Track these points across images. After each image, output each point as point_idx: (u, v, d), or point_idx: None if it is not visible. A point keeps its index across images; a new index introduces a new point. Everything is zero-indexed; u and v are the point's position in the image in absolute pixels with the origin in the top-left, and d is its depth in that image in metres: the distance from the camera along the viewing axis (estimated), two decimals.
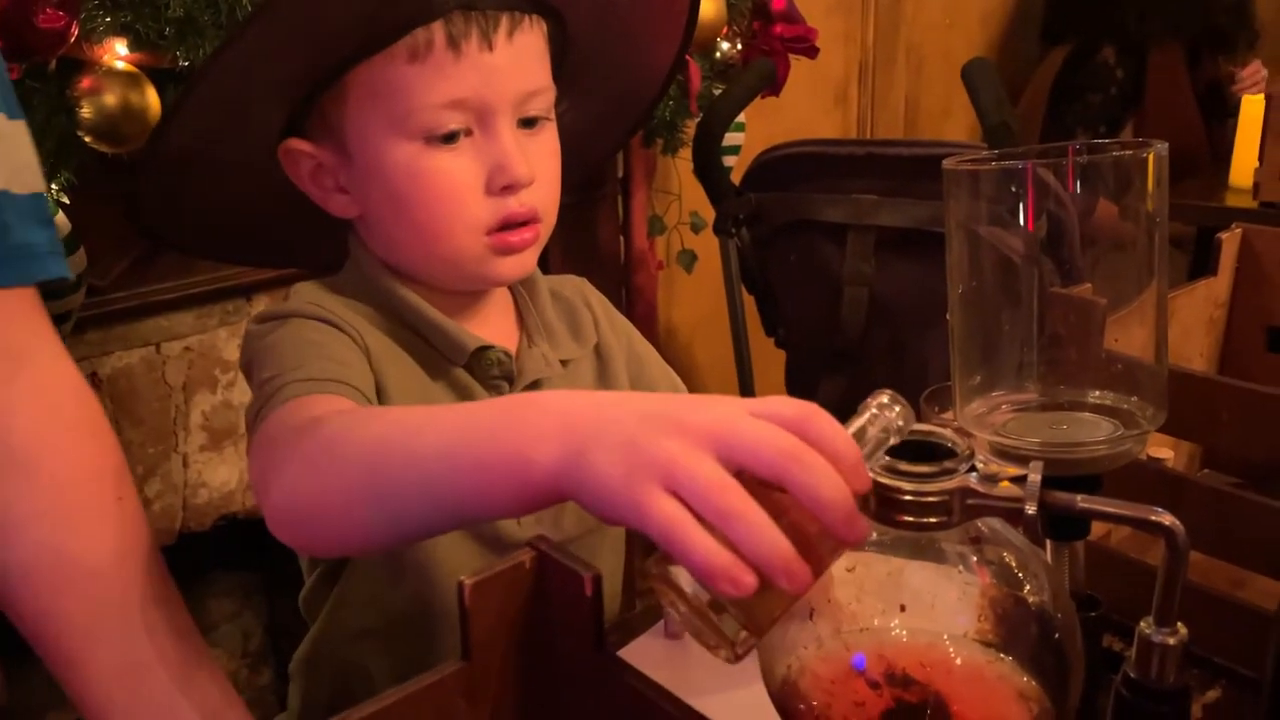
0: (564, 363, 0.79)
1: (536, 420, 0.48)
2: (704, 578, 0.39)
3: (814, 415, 0.43)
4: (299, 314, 0.70)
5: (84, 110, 0.96)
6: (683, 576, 0.40)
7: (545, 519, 0.77)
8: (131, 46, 0.98)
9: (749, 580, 0.39)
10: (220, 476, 1.29)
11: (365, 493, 0.54)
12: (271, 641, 1.55)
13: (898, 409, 0.46)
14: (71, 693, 0.64)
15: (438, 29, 0.66)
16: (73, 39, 0.94)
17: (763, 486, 0.41)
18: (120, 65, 0.98)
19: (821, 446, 0.42)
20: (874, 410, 0.46)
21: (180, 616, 0.67)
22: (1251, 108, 2.01)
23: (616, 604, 0.88)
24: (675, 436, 0.42)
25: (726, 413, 0.43)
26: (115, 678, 0.64)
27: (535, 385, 0.76)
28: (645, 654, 0.74)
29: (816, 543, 0.41)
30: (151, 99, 0.98)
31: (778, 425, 0.42)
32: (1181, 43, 2.48)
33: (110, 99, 0.96)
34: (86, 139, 0.97)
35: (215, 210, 0.77)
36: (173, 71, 1.00)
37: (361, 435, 0.57)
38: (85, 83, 0.96)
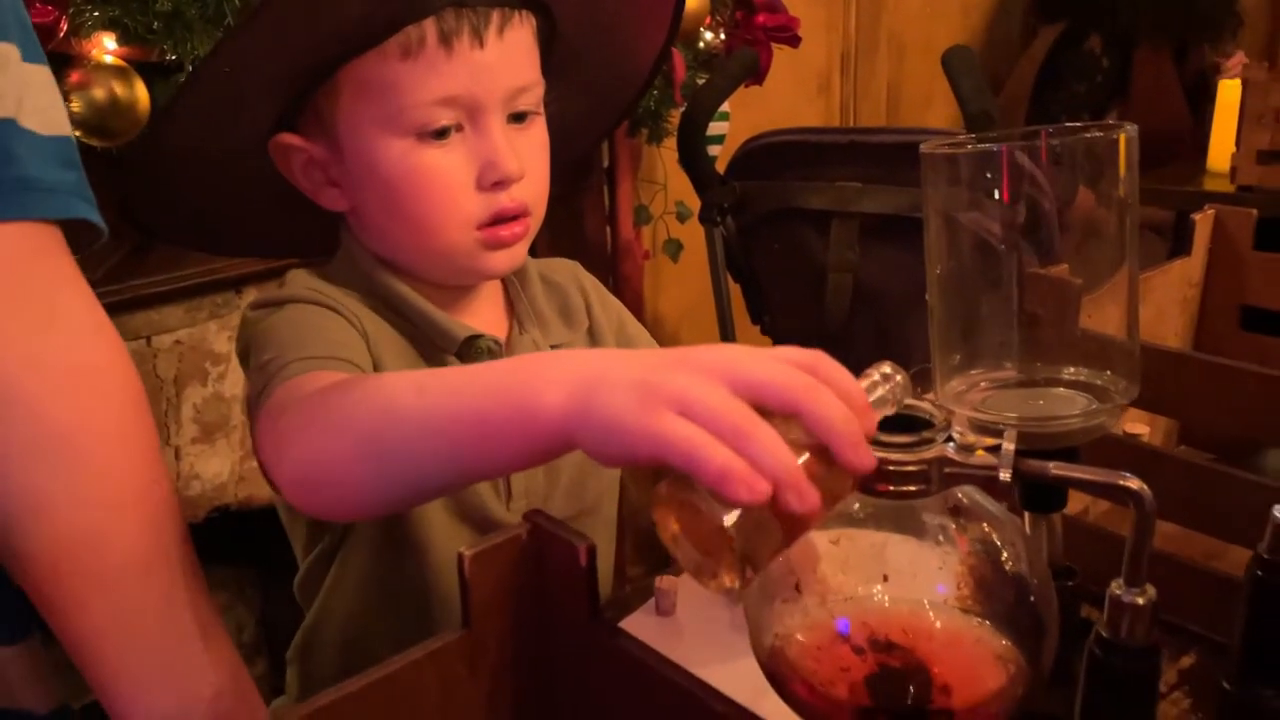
0: (555, 348, 0.81)
1: (543, 370, 0.49)
2: (721, 484, 0.40)
3: (823, 358, 0.44)
4: (297, 299, 0.71)
5: (73, 105, 0.96)
6: (696, 492, 0.41)
7: (535, 500, 0.78)
8: (120, 41, 0.99)
9: (764, 486, 0.40)
10: (212, 469, 1.30)
11: (372, 450, 0.54)
12: (265, 633, 1.56)
13: (899, 378, 0.47)
14: (95, 689, 0.61)
15: (429, 26, 0.67)
16: (61, 34, 0.94)
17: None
18: (109, 60, 0.98)
19: (831, 385, 0.43)
20: (876, 378, 0.47)
21: (209, 615, 0.64)
22: (1228, 93, 2.03)
23: (608, 587, 0.89)
24: (688, 372, 0.44)
25: (738, 352, 0.45)
26: (143, 684, 0.61)
27: None
28: (638, 629, 0.75)
29: (822, 483, 0.42)
30: (140, 93, 0.99)
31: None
32: (1169, 35, 2.50)
33: (99, 93, 0.97)
34: (76, 133, 0.97)
35: (208, 204, 0.78)
36: (161, 65, 1.01)
37: (366, 395, 0.57)
38: (74, 77, 0.96)
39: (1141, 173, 0.59)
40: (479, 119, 0.70)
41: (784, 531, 0.43)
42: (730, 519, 0.41)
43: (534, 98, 0.73)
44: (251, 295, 1.30)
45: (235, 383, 1.31)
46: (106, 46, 0.99)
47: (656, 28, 0.84)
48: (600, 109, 0.90)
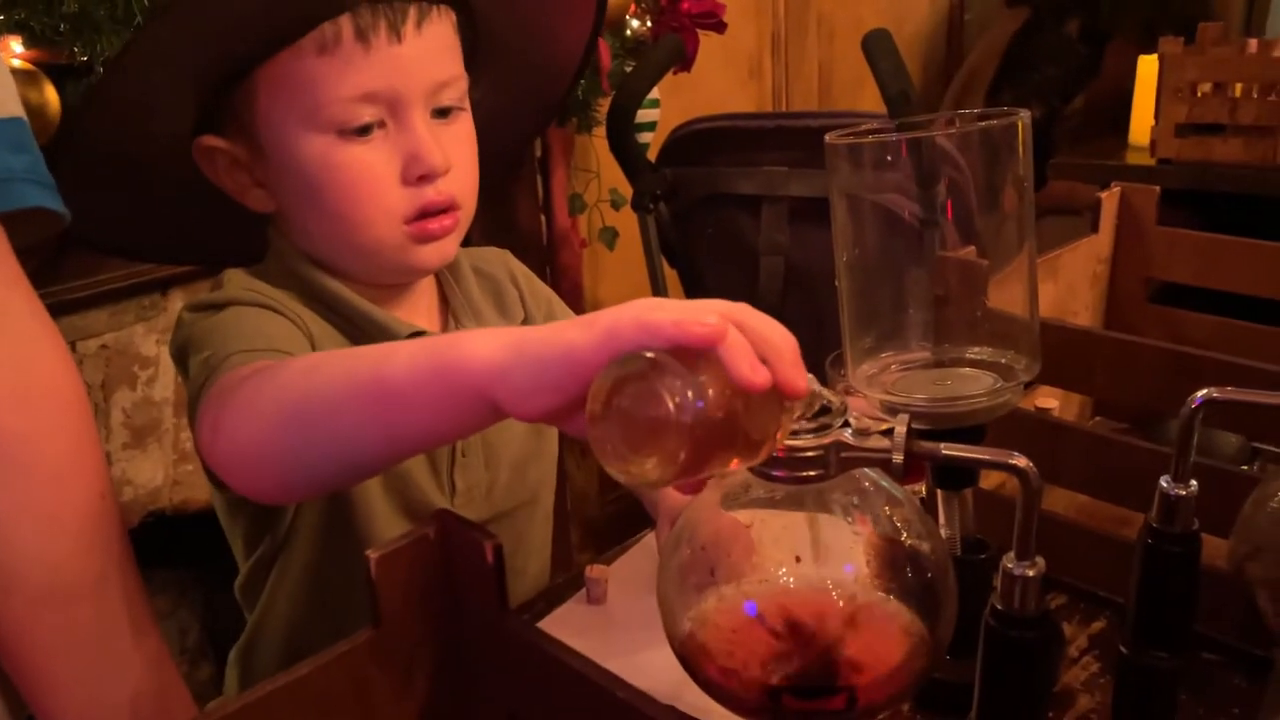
0: None
1: (473, 332, 0.49)
2: (677, 329, 0.41)
3: (749, 306, 0.45)
4: (236, 301, 0.70)
5: None
6: (652, 371, 0.40)
7: (477, 495, 0.79)
8: (27, 44, 0.97)
9: (720, 326, 0.41)
10: (145, 474, 1.29)
11: (297, 416, 0.54)
12: (209, 636, 1.55)
13: (812, 386, 0.48)
14: (41, 712, 0.60)
15: (345, 22, 0.67)
16: None
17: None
18: (17, 63, 0.97)
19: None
20: None
21: (153, 639, 0.64)
22: (1146, 67, 2.07)
23: (545, 577, 0.90)
24: (622, 309, 0.44)
25: (672, 301, 0.45)
26: (87, 710, 0.60)
27: None
28: (569, 619, 0.77)
29: (755, 414, 0.43)
30: (50, 96, 0.97)
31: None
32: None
33: None
34: None
35: (134, 210, 0.76)
36: (71, 67, 0.99)
37: (295, 366, 0.57)
38: None
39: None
40: (401, 114, 0.70)
41: (726, 439, 0.42)
42: (689, 396, 0.40)
43: (457, 92, 0.73)
44: (179, 297, 1.28)
45: (165, 385, 1.29)
46: (14, 50, 0.97)
47: (580, 19, 0.84)
48: (530, 103, 0.90)
